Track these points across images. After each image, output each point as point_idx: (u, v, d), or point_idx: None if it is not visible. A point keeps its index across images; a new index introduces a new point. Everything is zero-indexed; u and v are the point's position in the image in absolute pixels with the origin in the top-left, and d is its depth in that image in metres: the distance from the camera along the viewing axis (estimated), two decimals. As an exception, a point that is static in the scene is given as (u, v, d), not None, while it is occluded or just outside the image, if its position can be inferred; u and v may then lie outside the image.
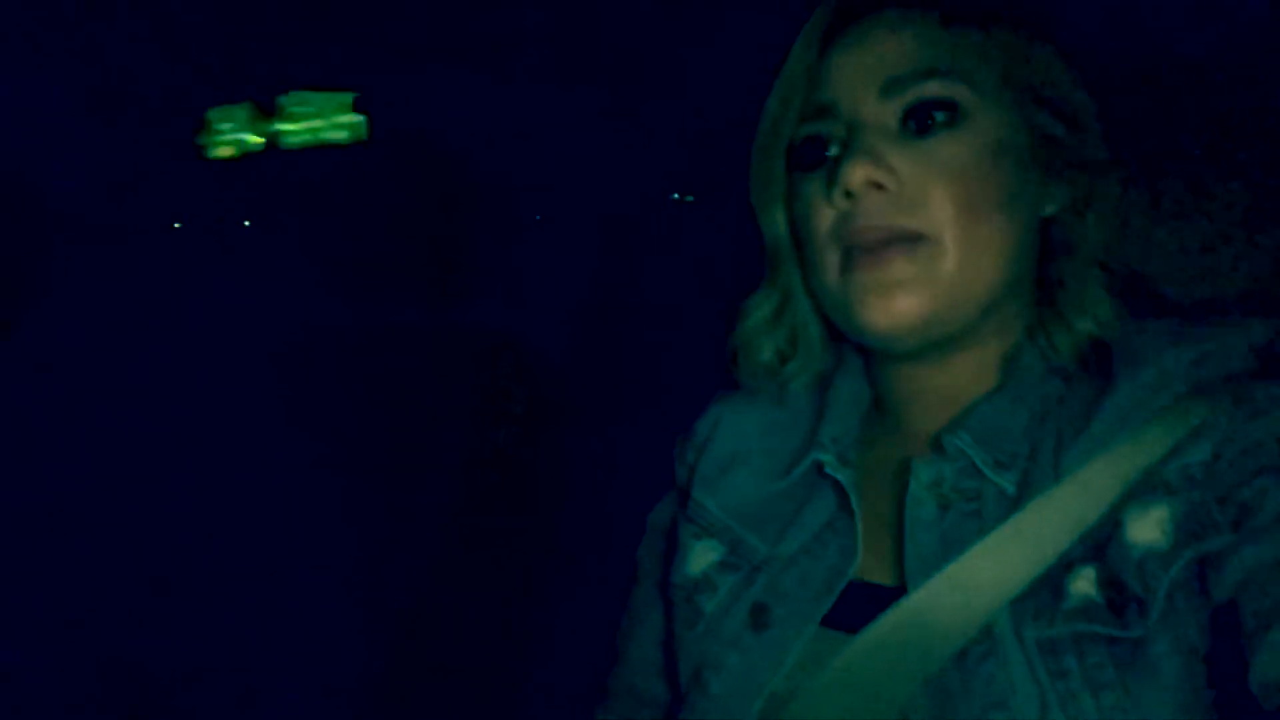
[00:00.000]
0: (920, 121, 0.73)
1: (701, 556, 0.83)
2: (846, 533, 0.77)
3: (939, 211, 0.71)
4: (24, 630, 1.28)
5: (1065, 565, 0.68)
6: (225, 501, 1.32)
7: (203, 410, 1.36)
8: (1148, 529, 0.66)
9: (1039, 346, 0.76)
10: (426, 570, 1.30)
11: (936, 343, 0.75)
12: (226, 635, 1.27)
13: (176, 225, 1.82)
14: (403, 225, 1.46)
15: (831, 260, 0.75)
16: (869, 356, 0.82)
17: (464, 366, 1.36)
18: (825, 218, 0.75)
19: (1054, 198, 0.77)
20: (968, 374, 0.77)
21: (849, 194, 0.73)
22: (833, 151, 0.76)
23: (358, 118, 1.93)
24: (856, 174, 0.72)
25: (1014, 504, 0.71)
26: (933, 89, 0.73)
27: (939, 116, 0.73)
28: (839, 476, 0.77)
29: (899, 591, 0.71)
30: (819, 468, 0.80)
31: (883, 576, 0.75)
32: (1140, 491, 0.67)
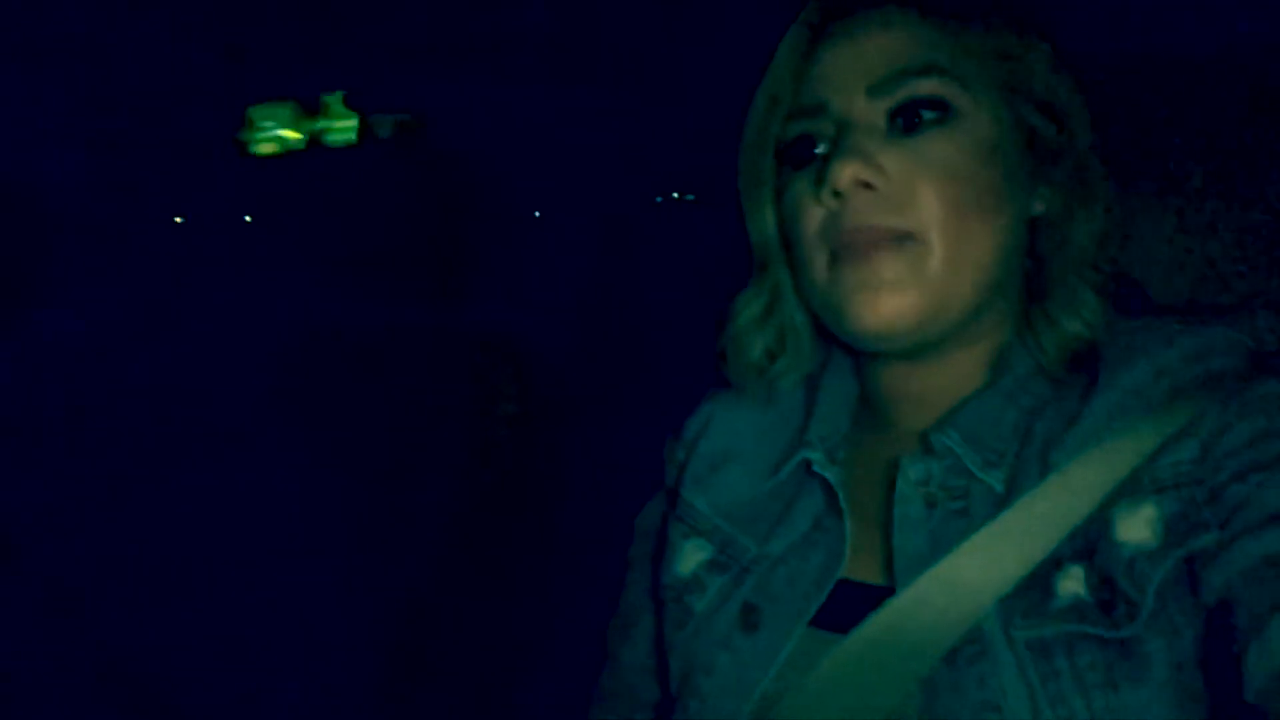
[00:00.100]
0: (909, 120, 0.73)
1: (691, 556, 0.83)
2: (835, 532, 0.76)
3: (928, 210, 0.71)
4: (25, 628, 1.28)
5: (1054, 564, 0.67)
6: (224, 500, 1.32)
7: (201, 409, 1.37)
8: (1137, 528, 0.66)
9: (1027, 346, 0.76)
10: (424, 568, 1.30)
11: (925, 342, 0.74)
12: (226, 633, 1.28)
13: (178, 220, 1.83)
14: (402, 225, 1.46)
15: (820, 260, 0.75)
16: (858, 356, 0.82)
17: (462, 366, 1.36)
18: (814, 217, 0.75)
19: (1043, 197, 0.76)
20: (956, 373, 0.77)
21: (837, 193, 0.72)
22: (821, 150, 0.75)
23: (400, 116, 1.94)
24: (845, 173, 0.71)
25: (1002, 502, 0.70)
26: (922, 87, 0.73)
27: (928, 115, 0.72)
28: (827, 475, 0.77)
29: (888, 591, 0.71)
30: (807, 466, 0.79)
31: (872, 576, 0.75)
32: (1129, 490, 0.67)
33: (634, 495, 0.96)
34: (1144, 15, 1.03)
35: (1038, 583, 0.67)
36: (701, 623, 0.80)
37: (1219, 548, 0.64)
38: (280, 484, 1.33)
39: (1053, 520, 0.68)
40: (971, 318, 0.74)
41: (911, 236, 0.71)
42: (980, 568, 0.68)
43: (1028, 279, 0.78)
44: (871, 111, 0.73)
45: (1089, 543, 0.67)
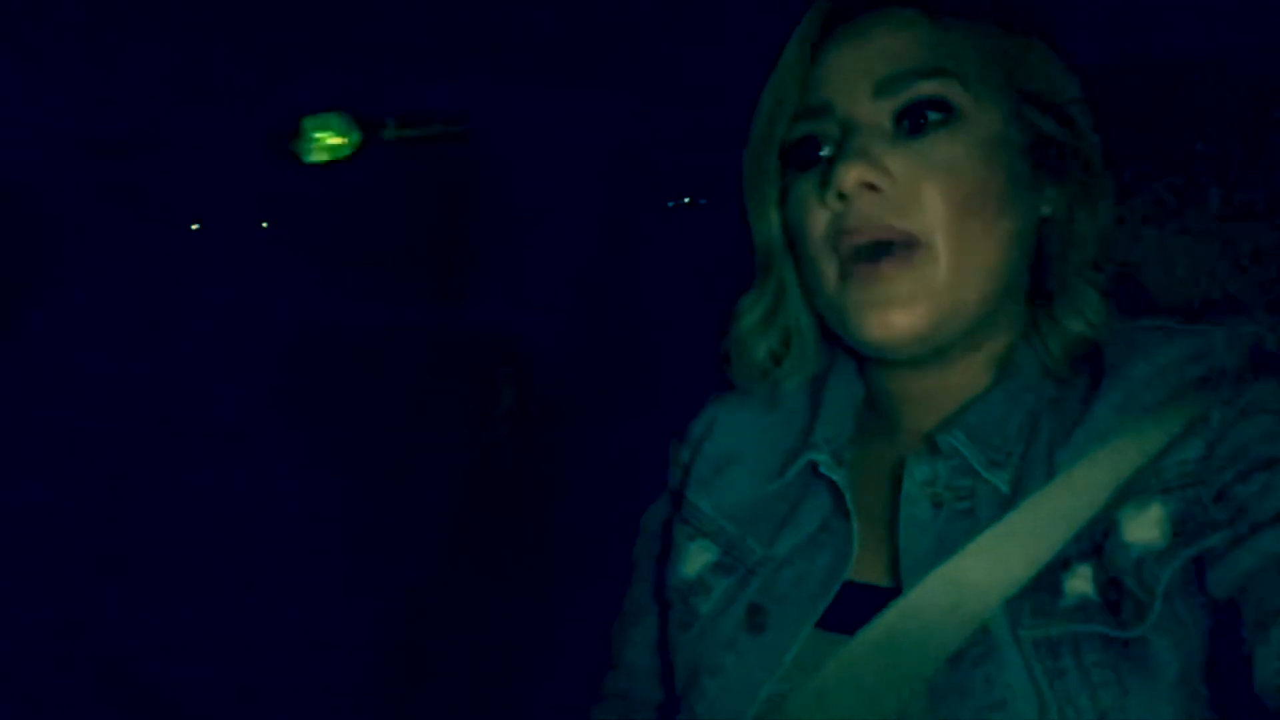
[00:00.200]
0: (914, 121, 0.73)
1: (696, 558, 0.83)
2: (841, 533, 0.76)
3: (933, 212, 0.71)
4: (26, 627, 1.28)
5: (1061, 563, 0.67)
6: (224, 499, 1.32)
7: (202, 409, 1.37)
8: (1145, 528, 0.66)
9: (1032, 347, 0.76)
10: (424, 568, 1.30)
11: (934, 350, 0.74)
12: (226, 631, 1.27)
13: (195, 226, 1.83)
14: (403, 225, 1.46)
15: (828, 268, 0.75)
16: (863, 359, 0.82)
17: (462, 366, 1.36)
18: (819, 219, 0.75)
19: (1049, 199, 0.76)
20: (963, 376, 0.77)
21: (842, 195, 0.72)
22: (826, 152, 0.75)
23: (455, 125, 1.94)
24: (850, 175, 0.71)
25: (1008, 503, 0.71)
26: (927, 88, 0.72)
27: (933, 116, 0.72)
28: (833, 476, 0.77)
29: (894, 592, 0.71)
30: (813, 468, 0.79)
31: (878, 577, 0.75)
32: (1136, 489, 0.67)
33: (634, 495, 0.95)
34: (1144, 16, 1.03)
35: (1045, 582, 0.67)
36: (707, 624, 0.80)
37: (1227, 547, 0.64)
38: (280, 483, 1.33)
39: (1059, 520, 0.68)
40: (979, 323, 0.74)
41: (917, 242, 0.71)
42: (986, 568, 0.68)
43: (1032, 280, 0.78)
44: (876, 113, 0.73)
45: (1096, 542, 0.67)
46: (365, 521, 1.33)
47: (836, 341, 0.82)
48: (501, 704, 1.32)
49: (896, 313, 0.71)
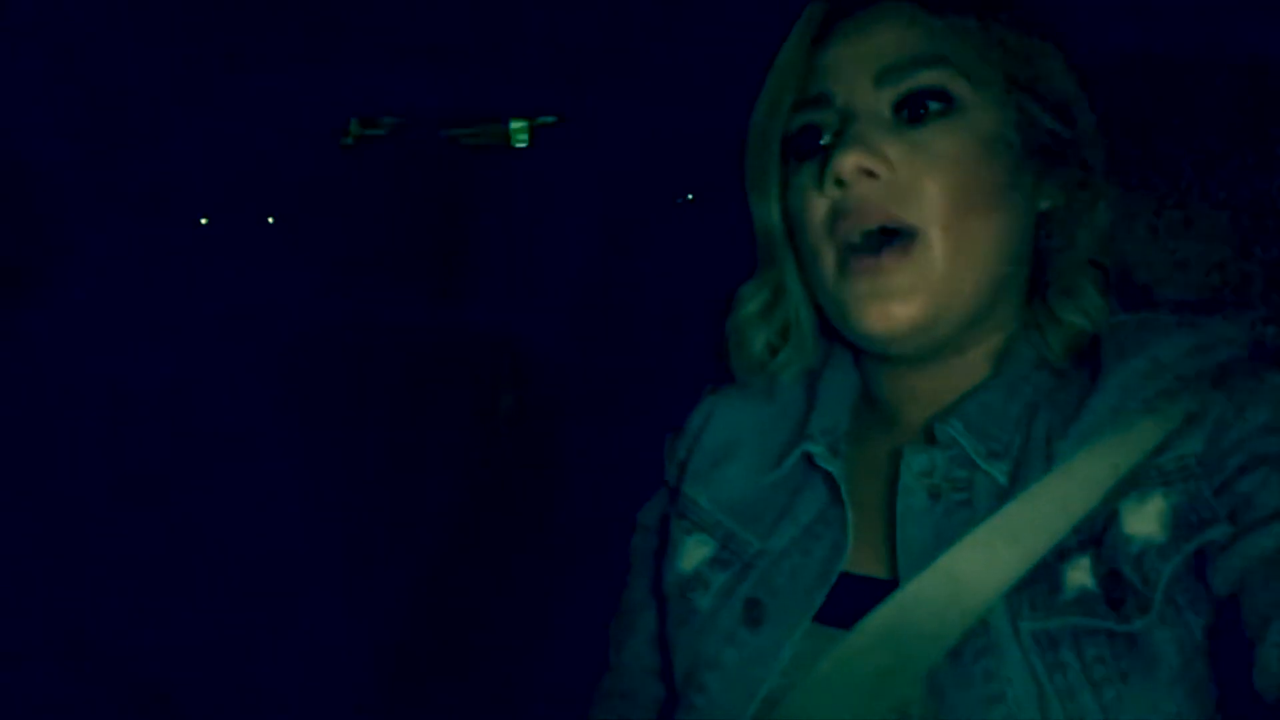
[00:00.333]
0: (914, 111, 0.73)
1: (693, 552, 0.83)
2: (837, 525, 0.76)
3: (931, 202, 0.71)
4: (26, 625, 1.28)
5: (1060, 555, 0.67)
6: (222, 498, 1.32)
7: (202, 408, 1.37)
8: (1145, 521, 0.66)
9: (1030, 340, 0.76)
10: (424, 566, 1.30)
11: (933, 345, 0.74)
12: (227, 630, 1.27)
13: (204, 221, 1.83)
14: (403, 225, 1.46)
15: (827, 258, 0.75)
16: (860, 351, 0.82)
17: (461, 365, 1.36)
18: (818, 207, 0.75)
19: (1048, 193, 0.76)
20: (961, 370, 0.76)
21: (841, 182, 0.72)
22: (826, 141, 0.75)
23: (520, 123, 1.94)
24: (848, 161, 0.71)
25: (1006, 494, 0.70)
26: (927, 78, 0.72)
27: (933, 106, 0.72)
28: (829, 468, 0.77)
29: (892, 584, 0.71)
30: (809, 459, 0.79)
31: (875, 569, 0.74)
32: (1136, 483, 0.67)
33: (633, 492, 0.95)
34: (1143, 16, 1.03)
35: (1044, 575, 0.67)
36: (705, 619, 0.79)
37: (1228, 541, 0.64)
38: (279, 483, 1.33)
39: (1058, 513, 0.67)
40: (978, 316, 0.74)
41: (916, 234, 0.71)
42: (985, 560, 0.68)
43: (1031, 275, 0.77)
44: (876, 102, 0.73)
45: (1095, 535, 0.67)
46: (364, 521, 1.33)
47: (834, 335, 0.82)
48: (501, 702, 1.31)
49: (895, 305, 0.71)
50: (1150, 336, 0.71)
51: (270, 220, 1.62)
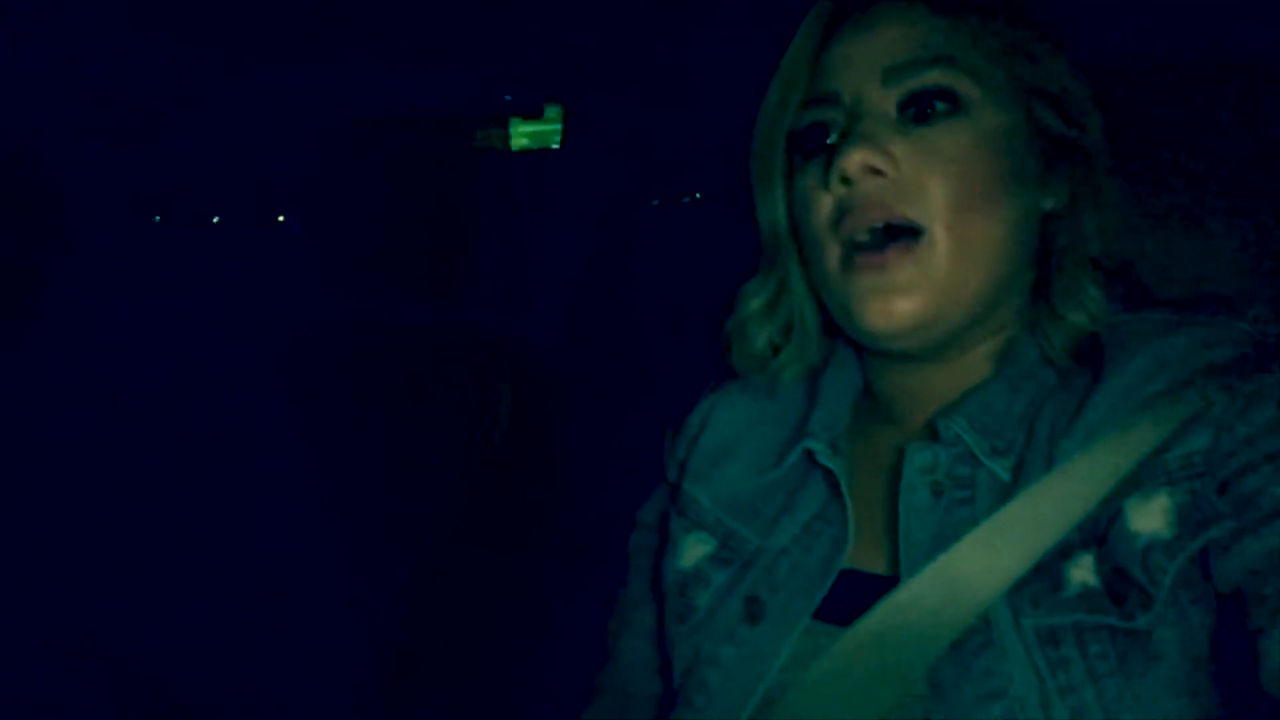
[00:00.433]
0: (920, 110, 0.73)
1: (693, 550, 0.83)
2: (838, 521, 0.76)
3: (936, 201, 0.71)
4: (27, 624, 1.27)
5: (1063, 553, 0.67)
6: (220, 497, 1.32)
7: (200, 407, 1.36)
8: (1150, 518, 0.66)
9: (1034, 338, 0.76)
10: (422, 566, 1.29)
11: (935, 343, 0.74)
12: (224, 630, 1.27)
13: (216, 220, 1.83)
14: (400, 223, 1.46)
15: (832, 255, 0.75)
16: (863, 350, 0.82)
17: (460, 364, 1.36)
18: (824, 205, 0.75)
19: (1053, 193, 0.76)
20: (963, 369, 0.77)
21: (846, 180, 0.72)
22: (833, 139, 0.75)
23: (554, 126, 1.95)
24: (854, 159, 0.71)
25: (1008, 492, 0.70)
26: (933, 78, 0.73)
27: (939, 106, 0.73)
28: (830, 465, 0.77)
29: (893, 581, 0.71)
30: (810, 456, 0.79)
31: (876, 565, 0.75)
32: (1140, 480, 0.67)
33: (632, 492, 0.95)
34: (1143, 16, 1.03)
35: (1047, 572, 0.67)
36: (705, 617, 0.79)
37: (1231, 539, 0.64)
38: (278, 481, 1.33)
39: (1060, 511, 0.67)
40: (981, 315, 0.74)
41: (921, 232, 0.71)
42: (987, 557, 0.68)
43: (1035, 275, 0.77)
44: (883, 100, 0.74)
45: (1099, 532, 0.67)
46: (363, 519, 1.32)
47: (836, 333, 0.82)
48: (500, 699, 1.31)
49: (898, 301, 0.71)
50: (1153, 335, 0.71)
51: (280, 219, 1.62)
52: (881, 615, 0.69)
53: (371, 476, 1.33)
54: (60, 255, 1.48)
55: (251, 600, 1.29)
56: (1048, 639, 0.66)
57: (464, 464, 1.33)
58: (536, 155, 1.92)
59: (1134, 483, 0.67)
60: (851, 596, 0.72)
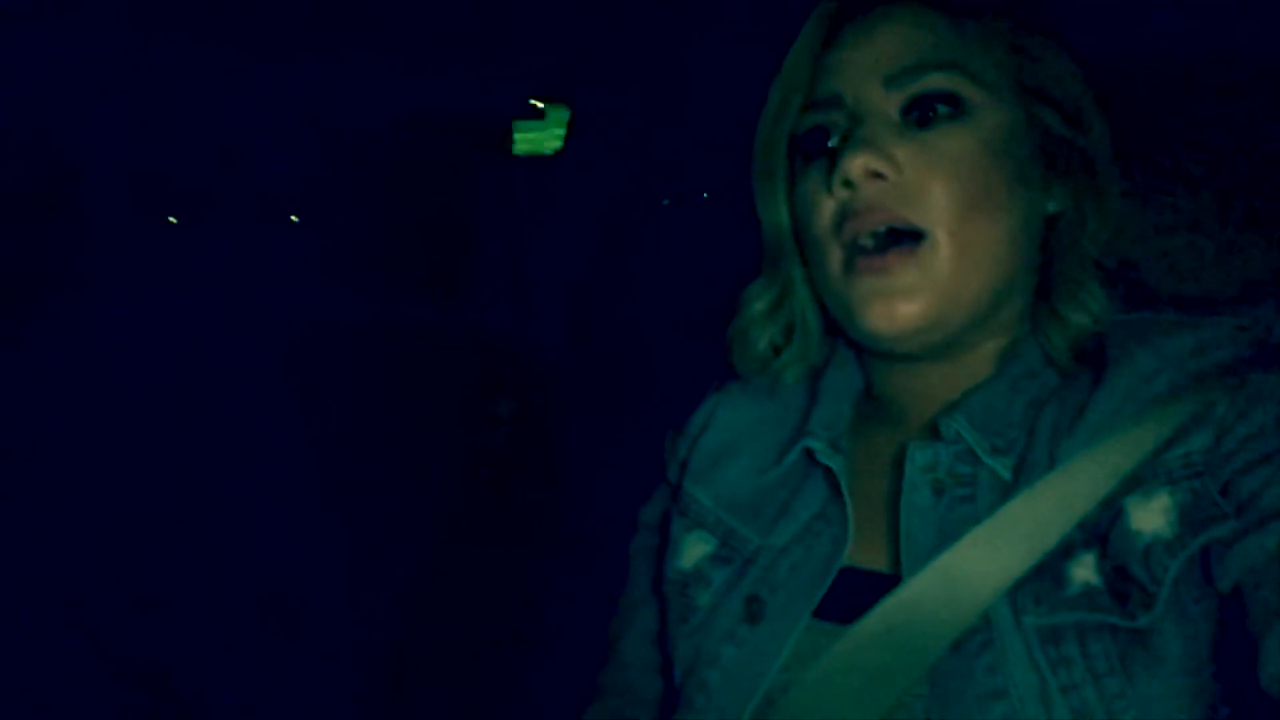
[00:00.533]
0: (922, 113, 0.73)
1: (693, 549, 0.83)
2: (838, 520, 0.76)
3: (938, 205, 0.71)
4: (27, 624, 1.27)
5: (1064, 552, 0.67)
6: (220, 496, 1.32)
7: (198, 404, 1.36)
8: (1152, 517, 0.66)
9: (1036, 339, 0.76)
10: (424, 564, 1.30)
11: (937, 344, 0.75)
12: (224, 628, 1.27)
13: (222, 221, 1.83)
14: (403, 225, 1.46)
15: (834, 258, 0.75)
16: (864, 349, 0.82)
17: (461, 363, 1.36)
18: (826, 207, 0.75)
19: (1056, 196, 0.77)
20: (965, 369, 0.77)
21: (848, 183, 0.73)
22: (834, 142, 0.76)
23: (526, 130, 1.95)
24: (856, 163, 0.72)
25: (1009, 491, 0.70)
26: (936, 81, 0.73)
27: (941, 109, 0.73)
28: (830, 463, 0.77)
29: (894, 579, 0.71)
30: (810, 455, 0.79)
31: (878, 563, 0.75)
32: (1141, 479, 0.67)
33: (633, 492, 0.95)
34: (1149, 13, 1.03)
35: (1048, 571, 0.67)
36: (705, 616, 0.79)
37: (1232, 538, 0.64)
38: (279, 481, 1.33)
39: (1062, 508, 0.67)
40: (984, 317, 0.75)
41: (923, 236, 0.71)
42: (988, 556, 0.68)
43: (1038, 276, 0.78)
44: (885, 104, 0.74)
45: (1100, 531, 0.67)
46: (363, 520, 1.33)
47: (838, 333, 0.82)
48: (501, 699, 1.31)
49: (900, 304, 0.72)
50: (1155, 335, 0.71)
51: (294, 219, 1.62)
52: (882, 614, 0.69)
53: (373, 476, 1.33)
54: (65, 255, 1.48)
55: (253, 599, 1.29)
56: (1049, 638, 0.66)
57: (465, 464, 1.34)
58: (538, 157, 1.92)
59: (1135, 482, 0.67)
60: (852, 595, 0.73)
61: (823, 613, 0.74)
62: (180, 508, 1.33)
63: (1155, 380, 0.69)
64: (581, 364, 1.62)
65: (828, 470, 0.78)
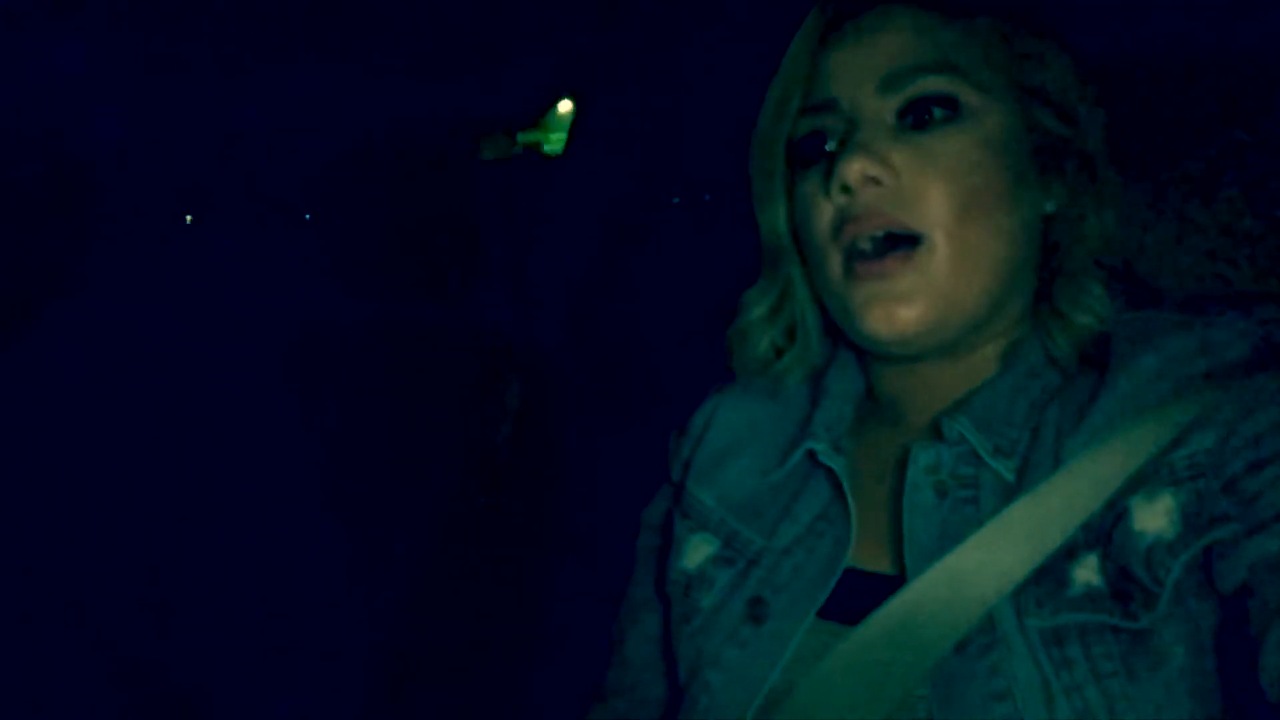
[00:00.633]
0: (918, 117, 0.73)
1: (697, 550, 0.83)
2: (841, 521, 0.76)
3: (936, 208, 0.71)
4: (27, 623, 1.27)
5: (1067, 553, 0.67)
6: (220, 497, 1.32)
7: (198, 404, 1.36)
8: (1155, 518, 0.66)
9: (1039, 339, 0.76)
10: (425, 565, 1.30)
11: (938, 346, 0.75)
12: (224, 629, 1.27)
13: (222, 221, 1.83)
14: (401, 222, 1.46)
15: (834, 263, 0.75)
16: (865, 352, 0.82)
17: (463, 363, 1.36)
18: (824, 212, 0.75)
19: (1055, 196, 0.77)
20: (967, 370, 0.77)
21: (846, 188, 0.73)
22: (831, 147, 0.76)
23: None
24: (853, 168, 0.72)
25: (1013, 492, 0.70)
26: (931, 84, 0.73)
27: (937, 112, 0.73)
28: (832, 464, 0.77)
29: (897, 580, 0.71)
30: (812, 456, 0.79)
31: (881, 564, 0.75)
32: (1145, 481, 0.67)
33: (635, 493, 0.95)
34: (1146, 11, 1.03)
35: (1052, 572, 0.67)
36: (709, 617, 0.79)
37: (1236, 539, 0.64)
38: (279, 480, 1.33)
39: (1065, 510, 0.67)
40: (985, 318, 0.75)
41: (920, 240, 0.71)
42: (991, 557, 0.68)
43: (1038, 276, 0.78)
44: (881, 108, 0.74)
45: (1103, 532, 0.67)
46: (366, 520, 1.33)
47: (839, 335, 0.82)
48: (503, 700, 1.31)
49: (899, 308, 0.72)
50: (1158, 335, 0.71)
51: (306, 217, 1.62)
52: (886, 615, 0.69)
53: (374, 475, 1.33)
54: (66, 256, 1.48)
55: (253, 599, 1.29)
56: (1052, 639, 0.66)
57: (467, 464, 1.34)
58: (540, 158, 1.92)
59: (1139, 482, 0.67)
60: (855, 596, 0.73)
61: (826, 614, 0.74)
62: (180, 507, 1.33)
63: (1159, 381, 0.69)
64: (582, 364, 1.63)
65: (830, 471, 0.78)
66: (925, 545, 0.71)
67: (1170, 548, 0.65)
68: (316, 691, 1.27)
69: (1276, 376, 0.67)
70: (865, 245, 0.73)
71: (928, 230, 0.71)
